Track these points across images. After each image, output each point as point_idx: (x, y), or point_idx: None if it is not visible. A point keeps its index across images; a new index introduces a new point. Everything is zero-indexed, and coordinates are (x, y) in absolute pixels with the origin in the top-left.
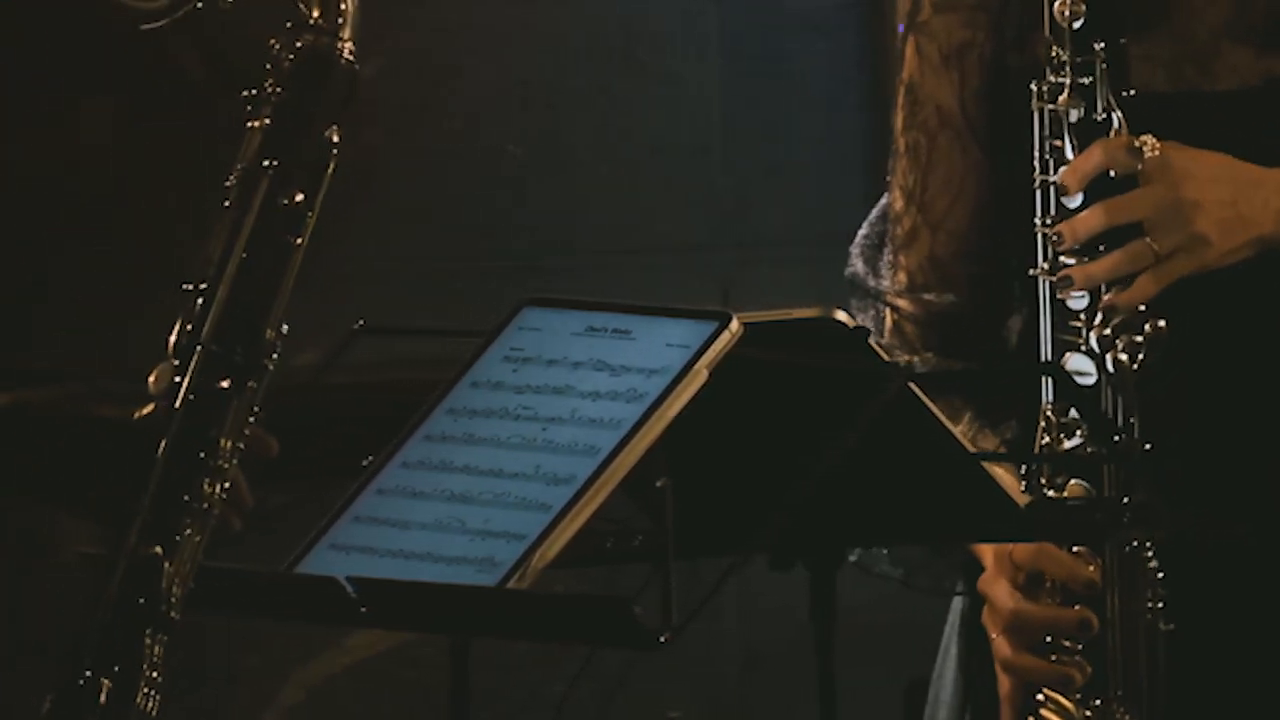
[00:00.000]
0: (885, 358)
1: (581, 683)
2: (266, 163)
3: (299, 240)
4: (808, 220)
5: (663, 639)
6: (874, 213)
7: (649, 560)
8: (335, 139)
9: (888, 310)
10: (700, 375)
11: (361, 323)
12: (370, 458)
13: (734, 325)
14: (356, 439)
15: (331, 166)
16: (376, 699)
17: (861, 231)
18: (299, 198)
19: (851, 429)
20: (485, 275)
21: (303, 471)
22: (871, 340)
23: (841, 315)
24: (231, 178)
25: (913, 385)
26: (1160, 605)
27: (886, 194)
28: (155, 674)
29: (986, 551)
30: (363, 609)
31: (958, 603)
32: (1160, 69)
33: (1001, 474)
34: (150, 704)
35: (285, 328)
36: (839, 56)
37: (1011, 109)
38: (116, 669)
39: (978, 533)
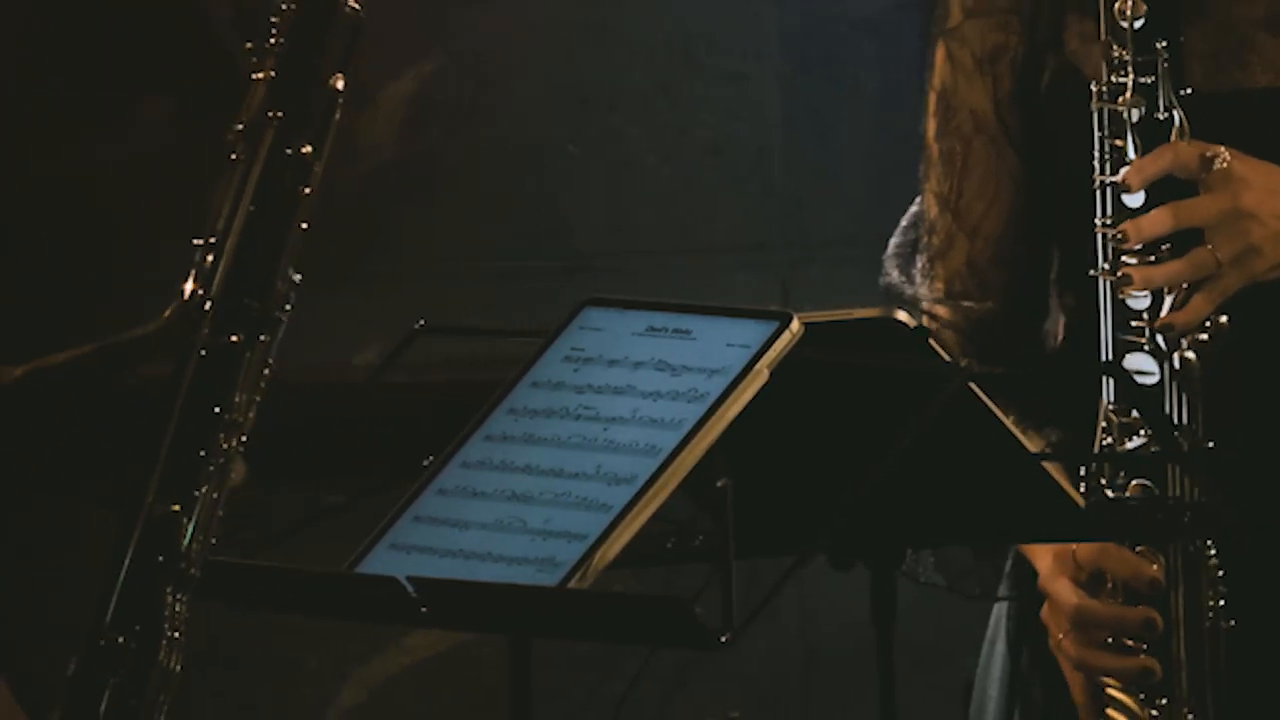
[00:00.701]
0: (946, 358)
1: (641, 683)
2: (271, 114)
3: (308, 190)
4: (866, 220)
5: (723, 639)
6: (904, 221)
7: (709, 560)
8: (340, 87)
9: (925, 318)
10: (761, 375)
11: (422, 322)
12: (430, 457)
13: (795, 325)
14: (416, 438)
15: (337, 115)
16: (436, 699)
17: (893, 241)
18: (306, 149)
19: (912, 429)
20: (543, 275)
21: (362, 470)
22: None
23: (903, 315)
24: (236, 130)
25: (973, 385)
26: (1221, 604)
27: (917, 202)
28: (177, 633)
29: (1042, 552)
30: (423, 609)
31: (999, 604)
32: (1198, 63)
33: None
34: (173, 662)
35: (298, 277)
36: (897, 57)
37: (1044, 111)
38: (138, 628)
39: (1039, 533)
